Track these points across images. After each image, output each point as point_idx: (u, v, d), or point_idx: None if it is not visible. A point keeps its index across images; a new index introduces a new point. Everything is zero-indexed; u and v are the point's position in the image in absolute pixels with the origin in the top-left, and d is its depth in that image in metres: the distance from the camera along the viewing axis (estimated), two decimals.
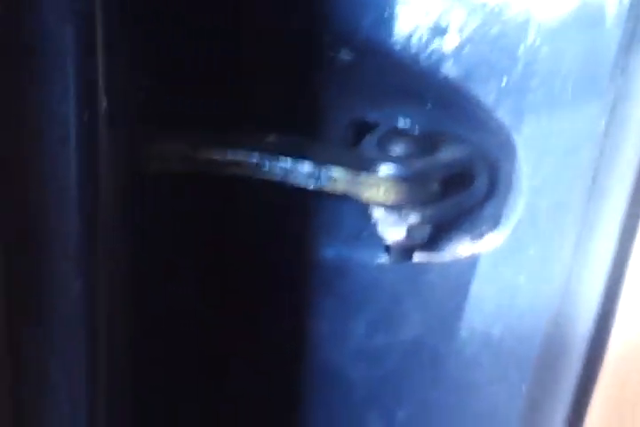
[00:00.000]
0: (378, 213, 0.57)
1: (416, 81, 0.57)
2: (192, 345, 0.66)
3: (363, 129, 0.60)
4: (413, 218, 0.57)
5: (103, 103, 0.45)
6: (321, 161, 0.57)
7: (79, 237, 0.47)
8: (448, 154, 0.57)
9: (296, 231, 0.64)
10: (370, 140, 0.58)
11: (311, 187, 0.57)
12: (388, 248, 0.60)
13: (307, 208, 0.63)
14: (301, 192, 0.61)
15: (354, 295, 0.63)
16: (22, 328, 0.50)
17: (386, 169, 0.56)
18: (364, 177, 0.56)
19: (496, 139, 0.57)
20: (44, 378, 0.51)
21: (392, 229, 0.57)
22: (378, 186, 0.56)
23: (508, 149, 0.57)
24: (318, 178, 0.57)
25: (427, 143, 0.57)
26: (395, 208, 0.56)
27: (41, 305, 0.49)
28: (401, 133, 0.57)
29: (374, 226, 0.59)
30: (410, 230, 0.57)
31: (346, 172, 0.56)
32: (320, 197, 0.62)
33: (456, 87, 0.57)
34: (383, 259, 0.61)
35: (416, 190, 0.56)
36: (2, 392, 0.51)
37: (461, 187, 0.58)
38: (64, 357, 0.51)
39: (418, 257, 0.60)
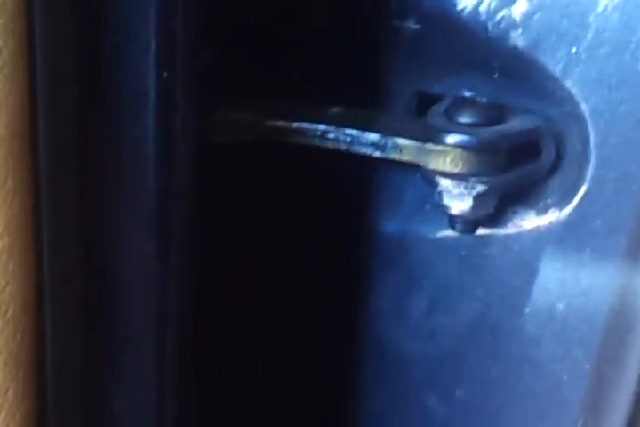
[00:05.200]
0: (444, 184, 0.56)
1: (483, 50, 0.56)
2: (251, 321, 0.66)
3: (427, 100, 0.59)
4: (480, 189, 0.56)
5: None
6: (387, 131, 0.56)
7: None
8: (515, 124, 0.56)
9: (357, 204, 0.63)
10: (436, 110, 0.57)
11: (377, 156, 0.56)
12: (450, 222, 0.59)
13: (368, 181, 0.62)
14: (362, 164, 0.61)
15: (414, 270, 0.63)
16: None
17: (453, 138, 0.55)
18: (430, 146, 0.55)
19: (564, 109, 0.56)
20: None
21: (458, 200, 0.56)
22: (445, 155, 0.55)
23: (575, 119, 0.56)
24: (384, 147, 0.56)
25: (494, 113, 0.56)
26: (461, 178, 0.56)
27: None
28: (468, 103, 0.56)
29: (438, 198, 0.58)
30: (476, 201, 0.56)
31: (412, 140, 0.55)
32: (381, 170, 0.62)
33: (524, 56, 0.56)
34: (445, 233, 0.61)
35: (483, 160, 0.55)
36: None
37: (528, 158, 0.57)
38: None
39: (481, 230, 0.60)
